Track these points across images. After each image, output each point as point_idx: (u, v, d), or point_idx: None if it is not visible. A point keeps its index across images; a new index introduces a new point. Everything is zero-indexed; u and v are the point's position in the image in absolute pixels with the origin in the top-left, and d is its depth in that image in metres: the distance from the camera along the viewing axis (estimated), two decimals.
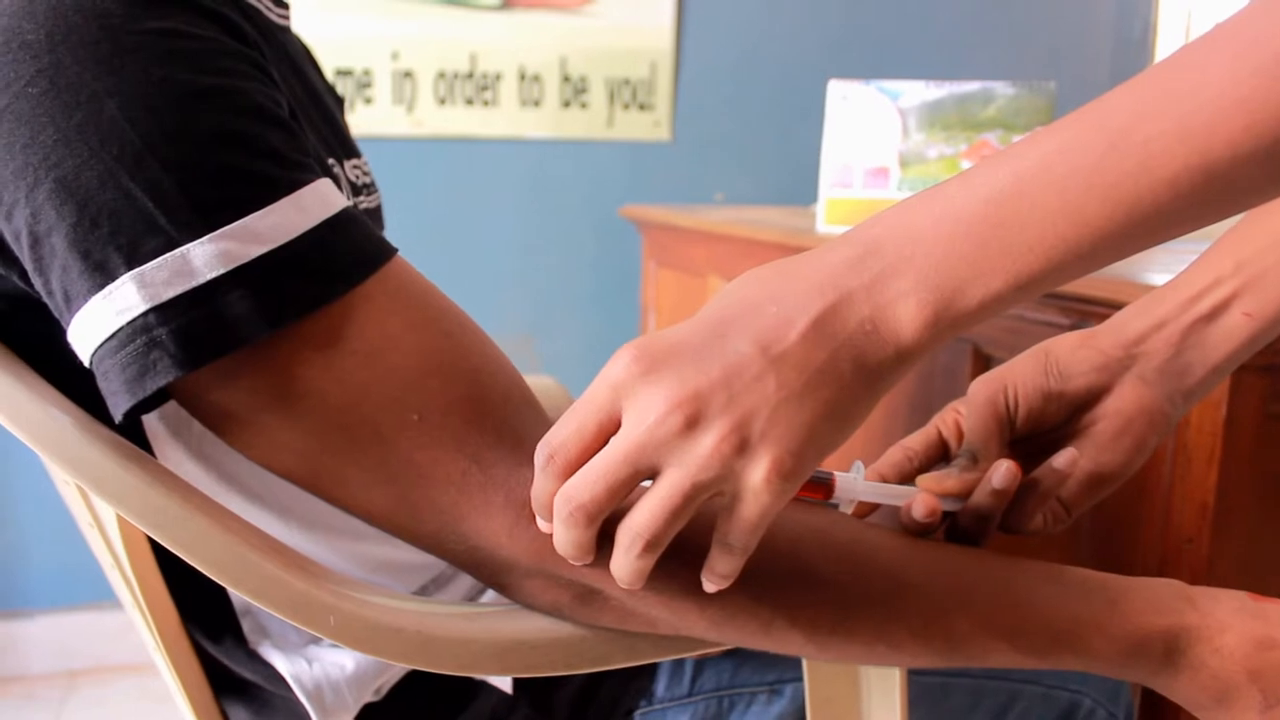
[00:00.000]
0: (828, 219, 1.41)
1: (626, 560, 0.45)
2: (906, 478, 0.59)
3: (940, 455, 0.62)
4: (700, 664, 0.73)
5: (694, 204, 2.03)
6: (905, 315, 0.43)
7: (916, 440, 0.62)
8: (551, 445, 0.45)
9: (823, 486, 0.54)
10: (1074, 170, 0.41)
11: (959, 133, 1.36)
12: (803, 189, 1.84)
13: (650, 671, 0.72)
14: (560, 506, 0.45)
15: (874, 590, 0.51)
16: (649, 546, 0.44)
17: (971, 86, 1.36)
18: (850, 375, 0.43)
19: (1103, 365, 0.59)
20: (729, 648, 0.54)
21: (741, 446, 0.42)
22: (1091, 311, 0.98)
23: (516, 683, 0.69)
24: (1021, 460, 0.55)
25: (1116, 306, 0.94)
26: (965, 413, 0.60)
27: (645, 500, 0.44)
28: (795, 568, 0.50)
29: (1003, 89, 1.35)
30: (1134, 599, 0.53)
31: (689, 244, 1.72)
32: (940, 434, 0.62)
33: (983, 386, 0.60)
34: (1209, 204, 0.41)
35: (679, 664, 0.73)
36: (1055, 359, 0.60)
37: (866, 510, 0.58)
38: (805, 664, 0.57)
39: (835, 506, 0.55)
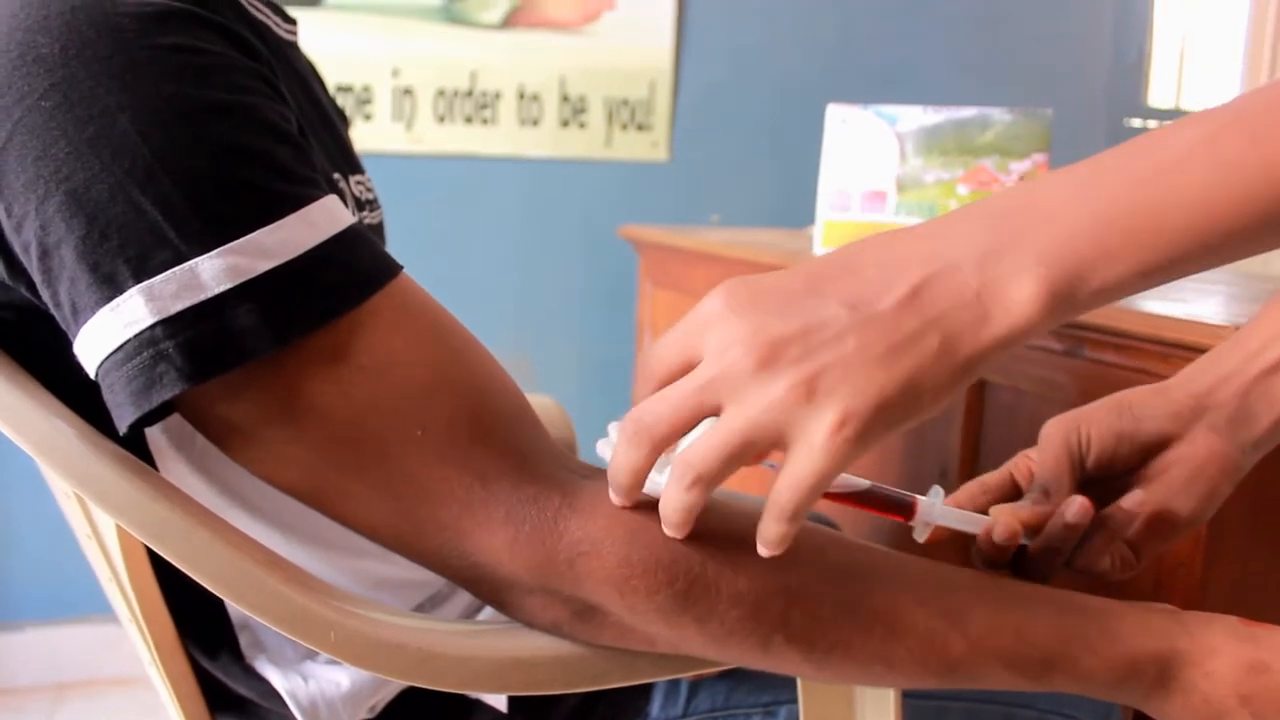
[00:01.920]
0: (824, 241, 1.42)
1: (677, 492, 0.45)
2: (980, 511, 0.59)
3: (1013, 496, 0.62)
4: (696, 685, 0.73)
5: (691, 224, 2.04)
6: (1020, 293, 0.41)
7: (991, 478, 0.62)
8: (646, 365, 0.45)
9: (903, 509, 0.54)
10: (1215, 162, 0.40)
11: (956, 158, 1.37)
12: (798, 211, 1.84)
13: (646, 692, 0.72)
14: (627, 425, 0.45)
15: (872, 610, 0.51)
16: (699, 480, 0.44)
17: (969, 112, 1.37)
18: (935, 352, 0.42)
19: (1175, 414, 0.59)
20: (727, 667, 0.54)
21: (808, 397, 0.41)
22: (1085, 337, 0.99)
23: (512, 702, 0.69)
24: (1092, 502, 0.55)
25: (1112, 333, 0.95)
26: (1038, 452, 0.60)
27: (703, 436, 0.44)
28: (794, 586, 0.50)
29: (999, 115, 1.36)
30: (1126, 622, 0.53)
31: (686, 264, 1.73)
32: (1013, 477, 0.62)
33: (1056, 426, 0.60)
34: None
35: (674, 685, 0.73)
36: (1129, 403, 0.60)
37: (942, 536, 0.58)
38: (800, 685, 0.57)
39: (912, 530, 0.56)
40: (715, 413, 0.43)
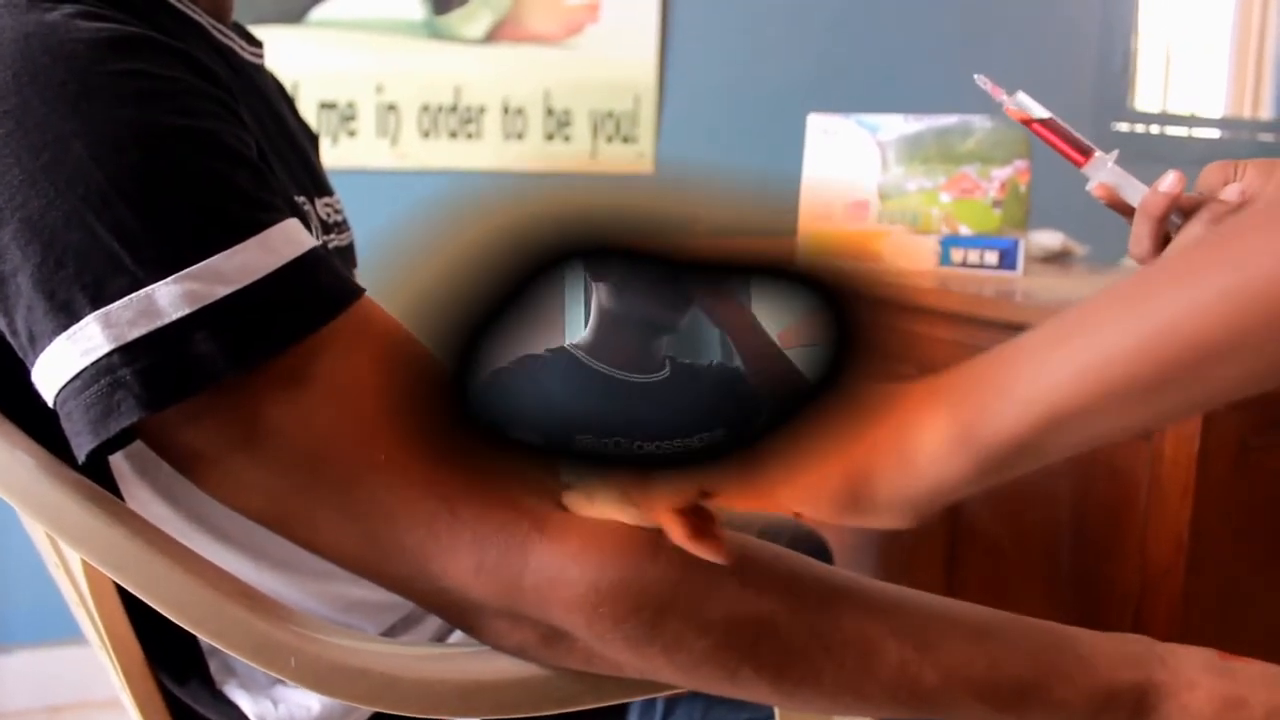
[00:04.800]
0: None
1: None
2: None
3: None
4: (672, 703, 0.72)
5: None
6: (930, 442, 0.41)
7: None
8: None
9: (1082, 150, 0.63)
10: (1128, 319, 0.39)
11: (938, 166, 1.37)
12: (785, 221, 1.84)
13: (621, 711, 0.72)
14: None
15: (843, 640, 0.50)
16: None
17: (949, 120, 1.37)
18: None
19: None
20: None
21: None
22: None
23: None
24: None
25: None
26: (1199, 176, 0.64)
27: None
28: (763, 616, 0.50)
29: (980, 122, 1.36)
30: (1103, 654, 0.52)
31: None
32: None
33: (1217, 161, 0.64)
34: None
35: (650, 703, 0.72)
36: None
37: (1113, 198, 0.63)
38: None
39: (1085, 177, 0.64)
40: None
